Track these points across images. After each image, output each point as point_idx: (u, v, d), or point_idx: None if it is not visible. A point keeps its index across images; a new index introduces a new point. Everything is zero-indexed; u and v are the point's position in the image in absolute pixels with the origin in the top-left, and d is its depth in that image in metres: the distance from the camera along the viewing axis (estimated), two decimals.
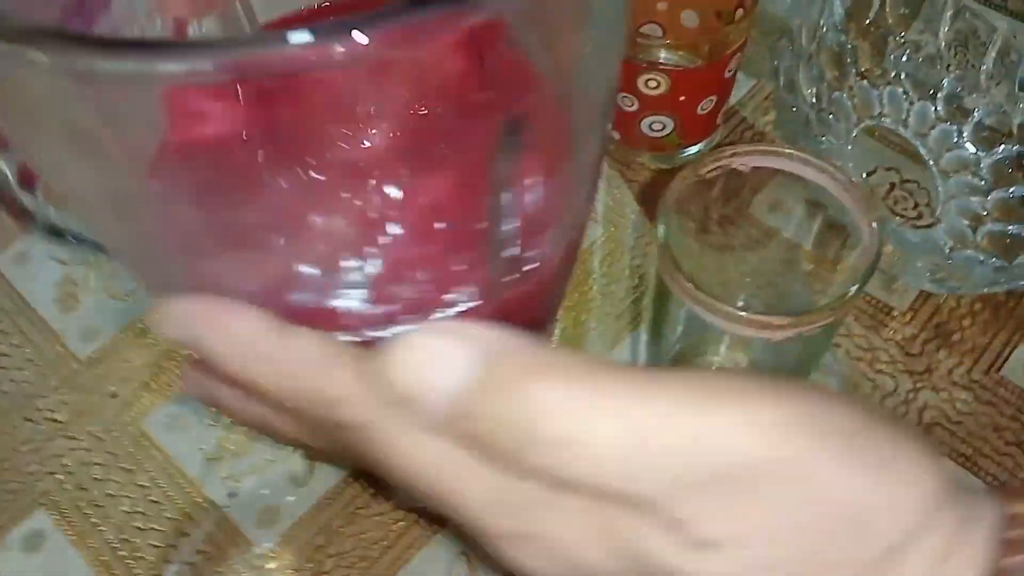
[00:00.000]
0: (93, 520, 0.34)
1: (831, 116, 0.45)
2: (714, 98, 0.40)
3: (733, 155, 0.25)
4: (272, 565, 0.33)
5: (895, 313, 0.38)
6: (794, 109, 0.39)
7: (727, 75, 0.39)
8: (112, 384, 0.37)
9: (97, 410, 0.37)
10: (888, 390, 0.36)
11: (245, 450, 0.35)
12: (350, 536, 0.33)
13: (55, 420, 0.37)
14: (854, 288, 0.22)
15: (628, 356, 0.36)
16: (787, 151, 0.26)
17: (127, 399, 0.37)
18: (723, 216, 0.30)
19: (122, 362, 0.38)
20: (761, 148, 0.26)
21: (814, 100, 0.44)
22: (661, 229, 0.24)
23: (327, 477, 0.34)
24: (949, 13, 0.43)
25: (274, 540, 0.33)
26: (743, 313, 0.22)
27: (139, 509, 0.34)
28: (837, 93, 0.45)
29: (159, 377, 0.38)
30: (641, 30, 0.35)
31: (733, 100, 0.46)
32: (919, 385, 0.36)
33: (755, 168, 0.26)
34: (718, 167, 0.26)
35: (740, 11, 0.38)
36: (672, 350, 0.29)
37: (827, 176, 0.25)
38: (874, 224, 0.23)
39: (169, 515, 0.34)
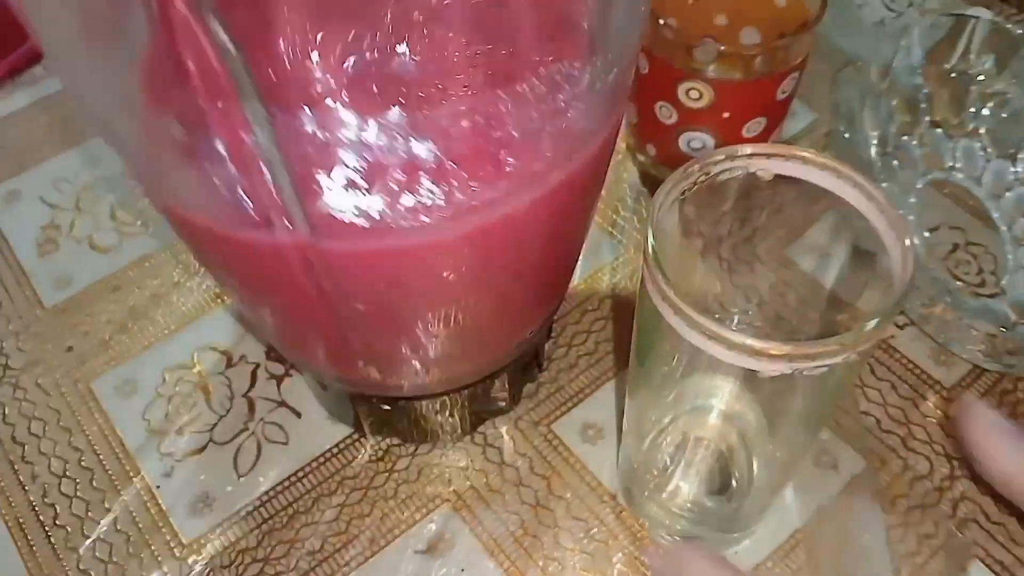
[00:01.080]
0: (20, 476, 0.32)
1: (895, 163, 0.40)
2: (762, 120, 0.36)
3: (752, 155, 0.22)
4: (194, 559, 0.29)
5: (940, 387, 0.33)
6: (847, 136, 0.35)
7: (780, 96, 0.35)
8: (71, 338, 0.35)
9: (49, 361, 0.34)
10: (920, 472, 0.31)
11: (193, 427, 0.32)
12: (283, 542, 0.30)
13: (7, 366, 0.34)
14: (872, 323, 0.18)
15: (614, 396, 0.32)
16: (814, 158, 0.22)
17: (83, 354, 0.34)
18: (734, 230, 0.26)
19: (86, 316, 0.36)
20: (784, 151, 0.22)
21: (876, 143, 0.40)
22: (651, 234, 0.20)
23: (273, 470, 0.31)
24: None
25: (201, 531, 0.30)
26: (729, 333, 0.18)
27: (68, 473, 0.31)
28: (906, 138, 0.40)
29: (120, 336, 0.35)
30: (694, 48, 0.32)
31: (787, 132, 0.42)
32: (958, 473, 0.31)
33: (778, 177, 0.22)
34: (732, 169, 0.22)
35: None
36: (667, 388, 0.25)
37: (860, 192, 0.21)
38: (908, 252, 0.19)
39: (97, 485, 0.31)
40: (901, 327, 0.35)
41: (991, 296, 0.36)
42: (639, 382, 0.25)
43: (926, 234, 0.38)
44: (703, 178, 0.22)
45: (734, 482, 0.28)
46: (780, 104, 0.36)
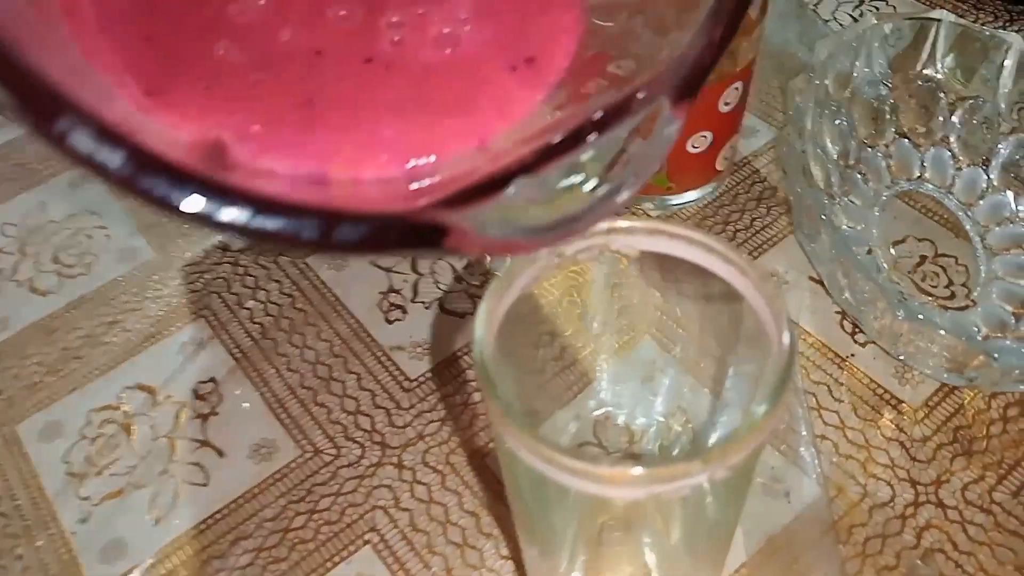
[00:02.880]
0: None
1: (860, 175, 0.38)
2: (707, 135, 0.34)
3: (610, 232, 0.19)
4: None
5: (905, 407, 0.31)
6: (801, 151, 0.33)
7: (723, 108, 0.33)
8: (1, 382, 0.34)
9: None
10: (881, 500, 0.28)
11: (113, 469, 0.31)
12: None
13: None
14: (744, 427, 0.15)
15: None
16: (686, 233, 0.19)
17: (11, 398, 0.34)
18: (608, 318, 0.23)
19: (19, 359, 0.35)
20: (650, 226, 0.19)
21: (837, 156, 0.38)
22: (479, 351, 0.17)
23: (190, 513, 0.30)
24: (1011, 70, 0.37)
25: None
26: (583, 464, 0.14)
27: None
28: (870, 150, 0.39)
29: (48, 379, 0.34)
30: None
31: (747, 150, 0.40)
32: (923, 499, 0.28)
33: (644, 252, 0.20)
34: (589, 248, 0.19)
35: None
36: (556, 528, 0.21)
37: (735, 269, 0.18)
38: (785, 333, 0.17)
39: (11, 531, 0.30)
40: (863, 344, 0.32)
41: (961, 309, 0.34)
42: (526, 530, 0.22)
43: (891, 250, 0.36)
44: (556, 259, 0.19)
45: None
46: (725, 117, 0.34)
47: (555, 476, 0.15)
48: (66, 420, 0.33)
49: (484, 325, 0.17)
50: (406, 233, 0.12)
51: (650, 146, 0.14)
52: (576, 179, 0.14)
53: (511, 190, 0.13)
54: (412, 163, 0.15)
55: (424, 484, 0.30)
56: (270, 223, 0.12)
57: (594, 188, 0.14)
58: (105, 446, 0.32)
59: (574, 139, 0.14)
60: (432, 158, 0.15)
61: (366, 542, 0.29)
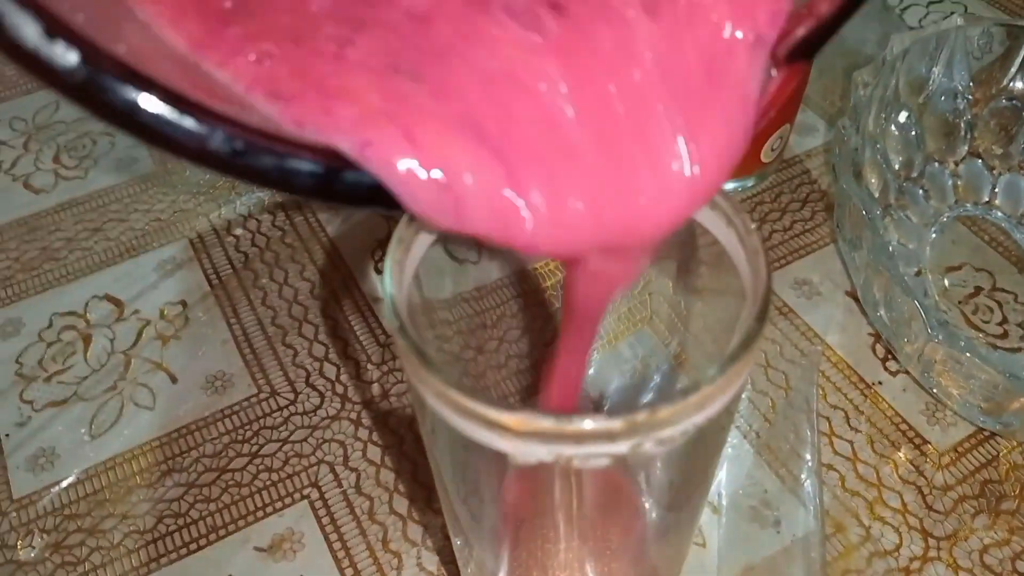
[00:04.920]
0: None
1: (920, 191, 0.34)
2: None
3: None
4: (15, 517, 0.26)
5: (929, 449, 0.27)
6: (855, 150, 0.30)
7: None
8: None
9: None
10: (884, 548, 0.25)
11: (62, 377, 0.29)
12: (114, 515, 0.26)
13: None
14: (686, 391, 0.12)
15: None
16: None
17: None
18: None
19: None
20: None
21: (900, 165, 0.34)
22: (390, 284, 0.14)
23: (128, 435, 0.28)
24: None
25: (34, 488, 0.27)
26: (482, 406, 0.11)
27: None
28: (937, 165, 0.35)
29: (21, 276, 0.32)
30: None
31: (800, 148, 0.36)
32: (933, 554, 0.24)
33: None
34: None
35: None
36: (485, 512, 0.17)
37: (718, 215, 0.15)
38: (760, 260, 0.13)
39: None
40: (894, 373, 0.29)
41: (1013, 351, 0.29)
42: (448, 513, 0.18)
43: (944, 278, 0.32)
44: None
45: None
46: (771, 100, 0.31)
47: (456, 423, 0.12)
48: (28, 319, 0.31)
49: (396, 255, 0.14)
50: None
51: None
52: None
53: None
54: None
55: (379, 446, 0.27)
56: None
57: None
58: (60, 353, 0.30)
59: None
60: None
61: (304, 497, 0.26)
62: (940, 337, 0.24)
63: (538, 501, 0.17)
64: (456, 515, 0.17)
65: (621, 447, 0.12)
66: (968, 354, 0.24)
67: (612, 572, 0.18)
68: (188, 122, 0.10)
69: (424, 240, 0.15)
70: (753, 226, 0.14)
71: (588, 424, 0.11)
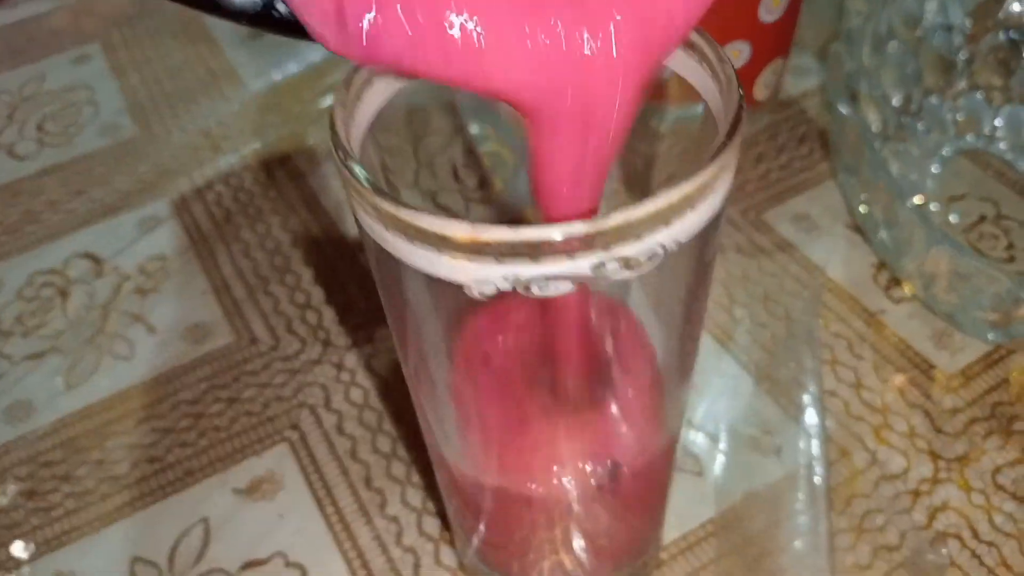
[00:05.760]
0: None
1: (920, 125, 0.33)
2: (744, 47, 0.30)
3: None
4: None
5: (936, 373, 0.25)
6: (850, 75, 0.29)
7: (765, 18, 0.29)
8: None
9: None
10: (892, 471, 0.23)
11: (41, 331, 0.29)
12: (89, 462, 0.25)
13: None
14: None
15: None
16: None
17: None
18: None
19: None
20: None
21: (897, 102, 0.33)
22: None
23: (105, 383, 0.27)
24: None
25: (8, 439, 0.26)
26: (421, 216, 0.11)
27: None
28: (936, 99, 0.34)
29: (2, 237, 0.32)
30: None
31: (795, 89, 0.35)
32: (943, 476, 0.23)
33: None
34: None
35: None
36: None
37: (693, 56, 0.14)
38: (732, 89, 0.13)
39: None
40: (897, 302, 0.28)
41: (1021, 274, 0.28)
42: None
43: (947, 201, 0.31)
44: None
45: None
46: (768, 30, 0.30)
47: (404, 253, 0.11)
48: (8, 279, 0.31)
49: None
50: None
51: None
52: None
53: None
54: None
55: (362, 388, 0.26)
56: None
57: None
58: (39, 308, 0.29)
59: None
60: None
61: (284, 439, 0.25)
62: (946, 246, 0.23)
63: (512, 355, 0.16)
64: (421, 384, 0.16)
65: (582, 265, 0.11)
66: (973, 265, 0.23)
67: (590, 438, 0.16)
68: None
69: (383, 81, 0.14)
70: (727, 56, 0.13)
71: (543, 232, 0.11)
